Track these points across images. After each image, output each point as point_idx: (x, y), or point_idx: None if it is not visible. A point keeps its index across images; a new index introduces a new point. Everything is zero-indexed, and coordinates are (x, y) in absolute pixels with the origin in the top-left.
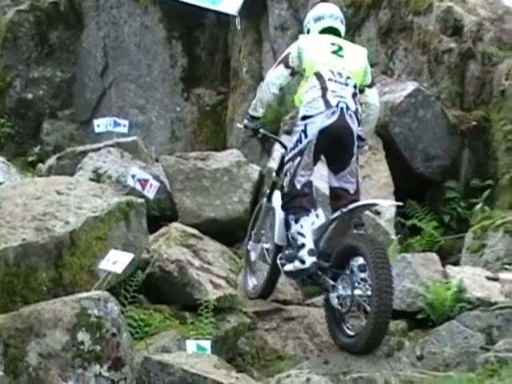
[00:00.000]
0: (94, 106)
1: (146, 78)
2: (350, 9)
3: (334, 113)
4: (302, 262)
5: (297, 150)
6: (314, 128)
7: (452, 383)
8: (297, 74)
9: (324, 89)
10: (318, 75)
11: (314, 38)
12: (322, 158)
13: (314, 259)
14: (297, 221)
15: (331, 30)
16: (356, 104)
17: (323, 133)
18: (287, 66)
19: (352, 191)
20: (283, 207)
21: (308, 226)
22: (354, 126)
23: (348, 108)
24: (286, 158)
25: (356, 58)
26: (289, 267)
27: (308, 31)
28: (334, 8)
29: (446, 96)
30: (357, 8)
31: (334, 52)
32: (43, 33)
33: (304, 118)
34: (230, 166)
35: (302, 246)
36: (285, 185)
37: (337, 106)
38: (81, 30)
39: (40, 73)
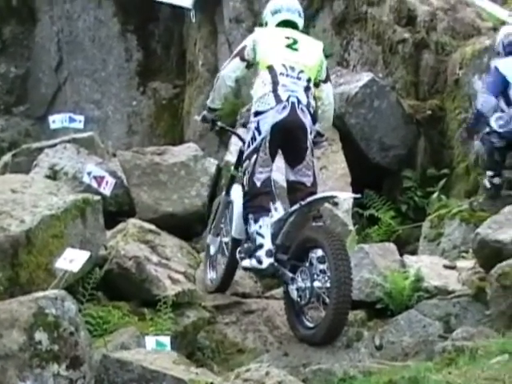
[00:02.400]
0: (49, 101)
1: (101, 72)
2: (304, 0)
3: (284, 108)
4: (260, 262)
5: (252, 147)
6: (266, 124)
7: (409, 372)
8: (253, 66)
9: (275, 83)
10: (270, 69)
11: (269, 31)
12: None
13: (271, 260)
14: (256, 221)
15: (288, 23)
16: (308, 98)
17: (275, 128)
18: (243, 59)
19: (309, 184)
20: (243, 206)
21: (267, 227)
22: (306, 119)
23: (299, 102)
24: (244, 156)
25: (311, 51)
26: (246, 263)
27: (266, 24)
28: (291, 1)
29: (400, 86)
30: None
31: (288, 46)
32: None
33: (256, 113)
34: (187, 160)
35: (261, 246)
36: (244, 183)
37: (287, 100)
38: (34, 24)
39: None
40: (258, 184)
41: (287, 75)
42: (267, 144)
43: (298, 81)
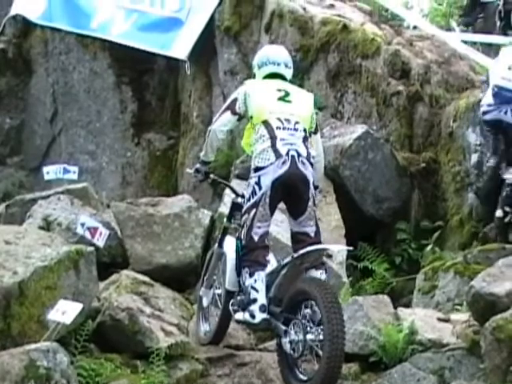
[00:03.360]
0: (43, 152)
1: (95, 123)
2: (298, 53)
3: (284, 162)
4: (253, 316)
5: (252, 201)
6: (267, 179)
7: None
8: (244, 118)
9: (273, 138)
10: (266, 124)
11: (259, 83)
12: (281, 205)
13: (264, 316)
14: (251, 275)
15: (276, 75)
16: (307, 149)
17: (276, 183)
18: (234, 112)
19: (312, 234)
20: (240, 259)
21: (262, 281)
22: (308, 171)
23: (299, 155)
24: (243, 210)
25: (304, 102)
26: (239, 316)
27: (254, 76)
28: (277, 53)
29: (395, 138)
30: (305, 52)
31: (281, 98)
32: None
33: (256, 169)
34: (180, 211)
35: (254, 300)
36: (242, 237)
37: (287, 154)
38: (29, 76)
39: None
40: (256, 238)
41: (284, 128)
42: (267, 199)
43: (296, 132)
